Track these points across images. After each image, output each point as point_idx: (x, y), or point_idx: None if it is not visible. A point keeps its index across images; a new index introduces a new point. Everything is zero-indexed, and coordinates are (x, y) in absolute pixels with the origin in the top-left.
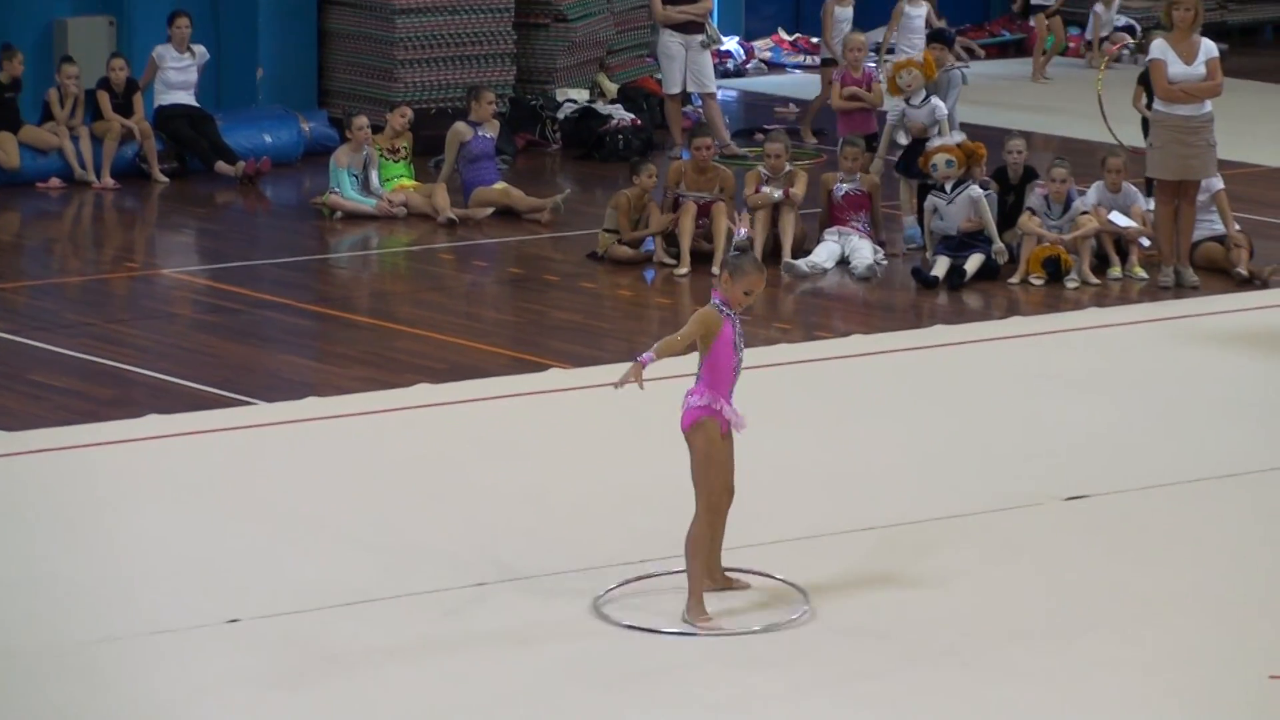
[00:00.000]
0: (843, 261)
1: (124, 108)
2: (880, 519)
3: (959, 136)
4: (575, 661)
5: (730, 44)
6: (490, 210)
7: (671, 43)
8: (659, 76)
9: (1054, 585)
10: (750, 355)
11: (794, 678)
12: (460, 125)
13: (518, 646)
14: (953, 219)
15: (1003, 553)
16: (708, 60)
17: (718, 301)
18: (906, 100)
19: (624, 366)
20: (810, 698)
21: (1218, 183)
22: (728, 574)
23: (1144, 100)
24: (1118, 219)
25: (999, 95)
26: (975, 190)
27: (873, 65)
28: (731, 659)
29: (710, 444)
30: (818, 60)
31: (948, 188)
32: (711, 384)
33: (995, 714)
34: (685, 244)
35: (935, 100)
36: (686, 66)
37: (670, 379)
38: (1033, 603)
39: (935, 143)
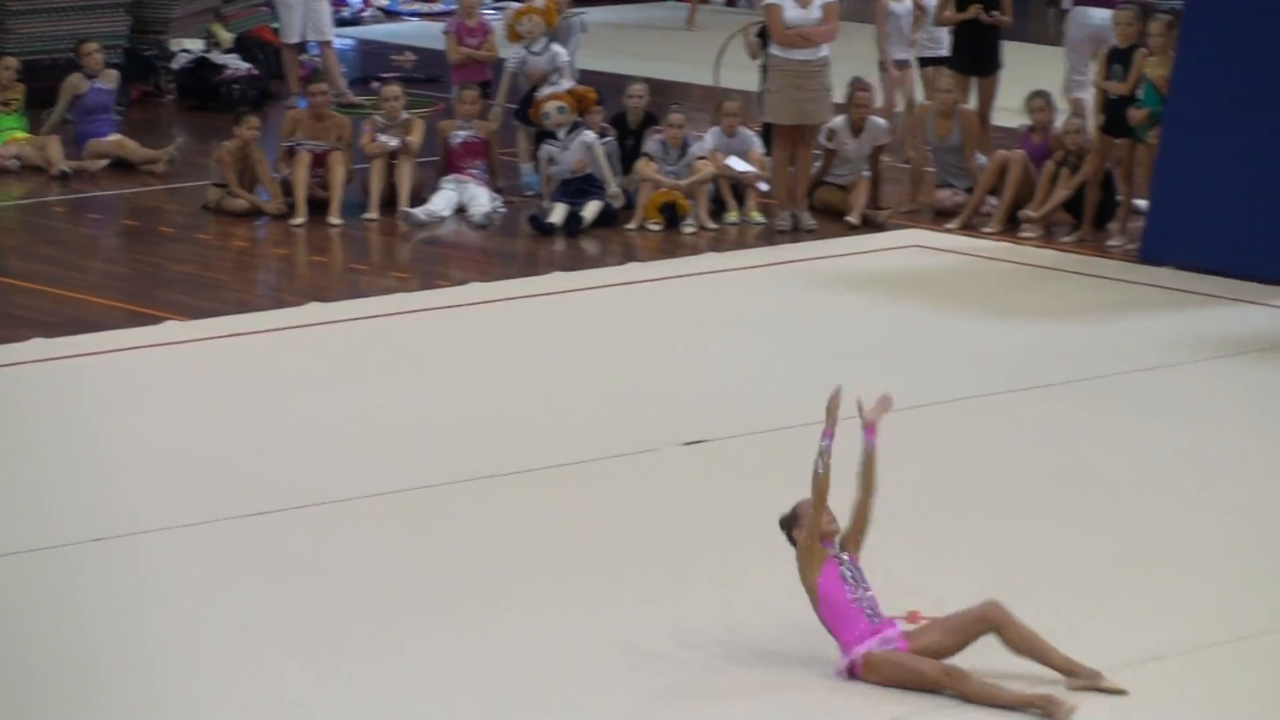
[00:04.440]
0: (460, 209)
1: None
2: (497, 467)
3: (568, 83)
4: None
5: None
6: (105, 162)
7: None
8: (275, 26)
9: (668, 528)
10: (366, 305)
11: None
12: (76, 77)
13: None
14: (568, 165)
15: (618, 498)
16: (326, 8)
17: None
18: (526, 48)
19: (241, 317)
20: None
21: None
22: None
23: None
24: (734, 163)
25: (619, 42)
26: (588, 135)
27: (489, 14)
28: None
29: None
30: (435, 8)
31: (561, 134)
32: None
33: (610, 651)
34: (301, 194)
35: (555, 47)
36: (305, 15)
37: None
38: (646, 547)
39: (545, 91)
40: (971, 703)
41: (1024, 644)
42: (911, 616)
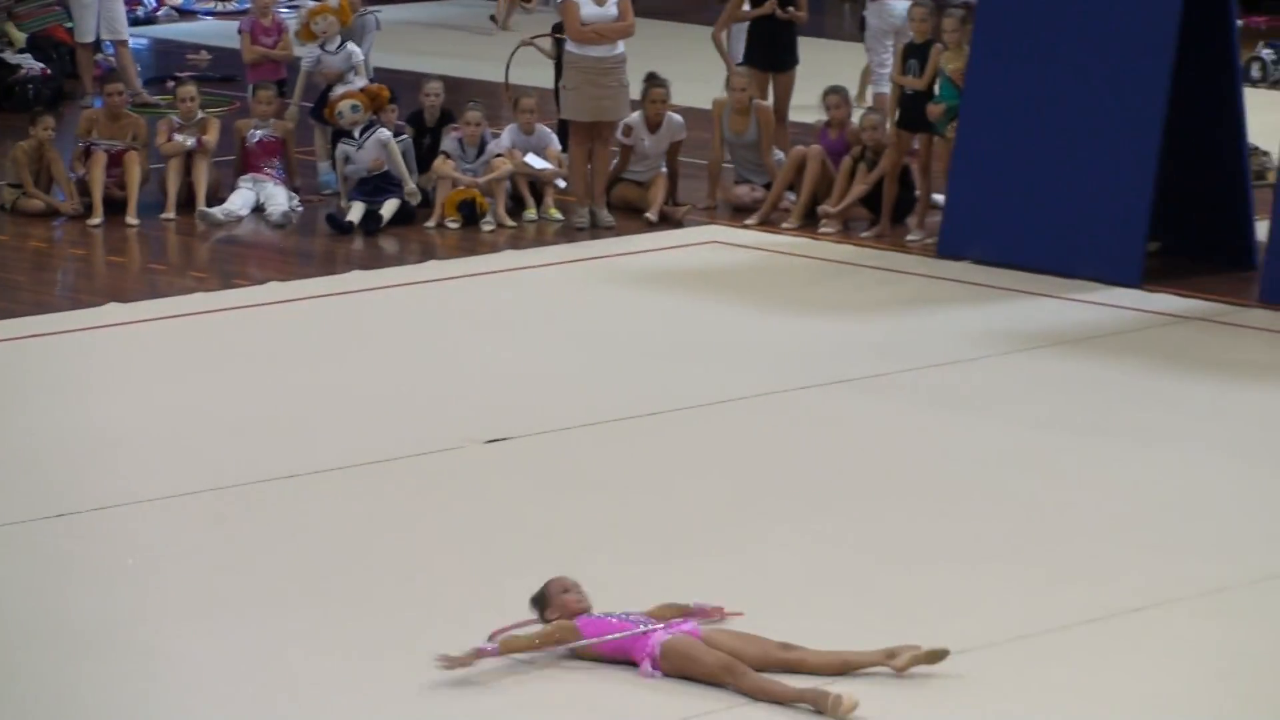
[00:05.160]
0: (258, 208)
1: None
2: (299, 466)
3: (362, 81)
4: None
5: None
6: None
7: None
8: (69, 25)
9: (474, 526)
10: (166, 305)
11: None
12: None
13: None
14: (364, 164)
15: (422, 496)
16: (120, 7)
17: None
18: (322, 46)
19: (41, 318)
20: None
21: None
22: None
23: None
24: (533, 161)
25: (414, 40)
26: (384, 133)
27: (284, 13)
28: None
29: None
30: (229, 7)
31: (356, 133)
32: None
33: (416, 649)
34: (97, 194)
35: (351, 46)
36: (100, 14)
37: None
38: (454, 545)
39: (339, 90)
40: (753, 699)
41: (835, 662)
42: (716, 611)
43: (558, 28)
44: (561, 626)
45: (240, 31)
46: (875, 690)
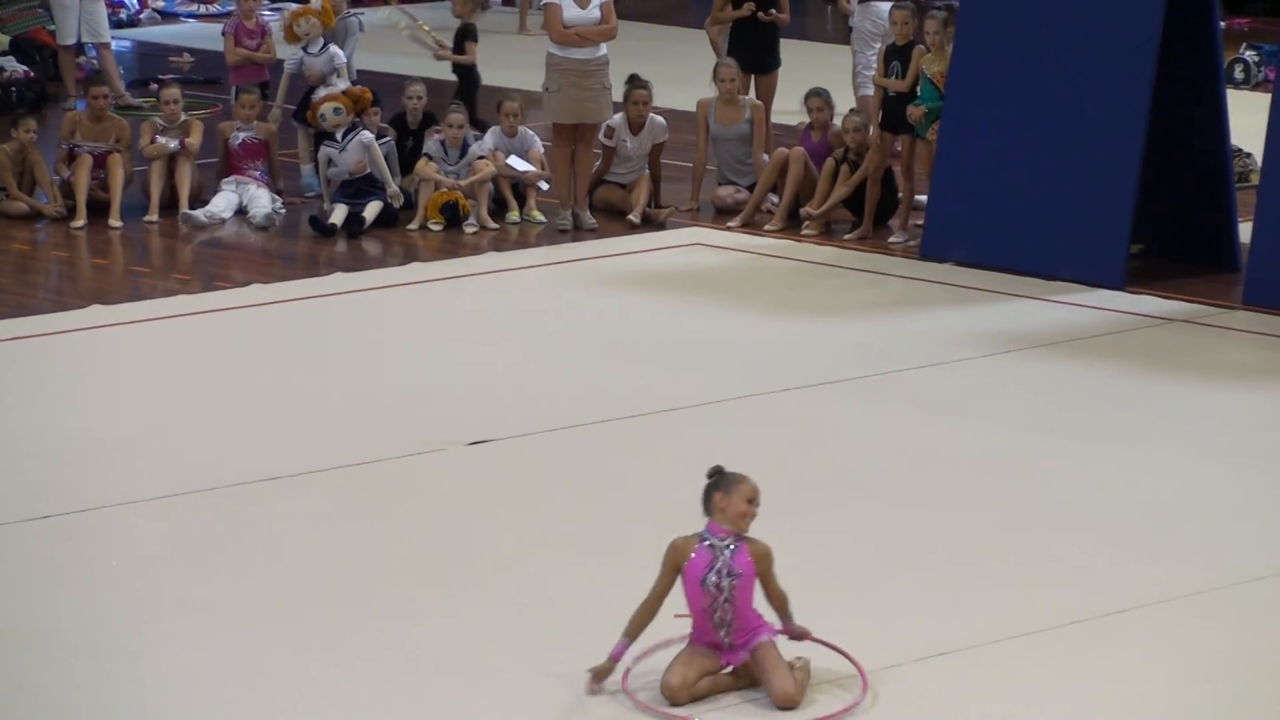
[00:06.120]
0: (241, 211)
1: None
2: (284, 469)
3: (344, 84)
4: None
5: None
6: None
7: None
8: (52, 28)
9: (456, 529)
10: (149, 307)
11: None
12: None
13: None
14: (347, 166)
15: (406, 498)
16: (102, 10)
17: (710, 533)
18: (304, 48)
19: (24, 320)
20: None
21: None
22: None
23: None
24: (515, 163)
25: (397, 42)
26: (366, 136)
27: (267, 15)
28: None
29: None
30: (212, 10)
31: (339, 136)
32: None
33: (403, 653)
34: (82, 196)
35: (334, 48)
36: (81, 17)
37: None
38: (437, 546)
39: (321, 93)
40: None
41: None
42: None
43: (460, 36)
44: (675, 553)
45: (223, 34)
46: (851, 695)
